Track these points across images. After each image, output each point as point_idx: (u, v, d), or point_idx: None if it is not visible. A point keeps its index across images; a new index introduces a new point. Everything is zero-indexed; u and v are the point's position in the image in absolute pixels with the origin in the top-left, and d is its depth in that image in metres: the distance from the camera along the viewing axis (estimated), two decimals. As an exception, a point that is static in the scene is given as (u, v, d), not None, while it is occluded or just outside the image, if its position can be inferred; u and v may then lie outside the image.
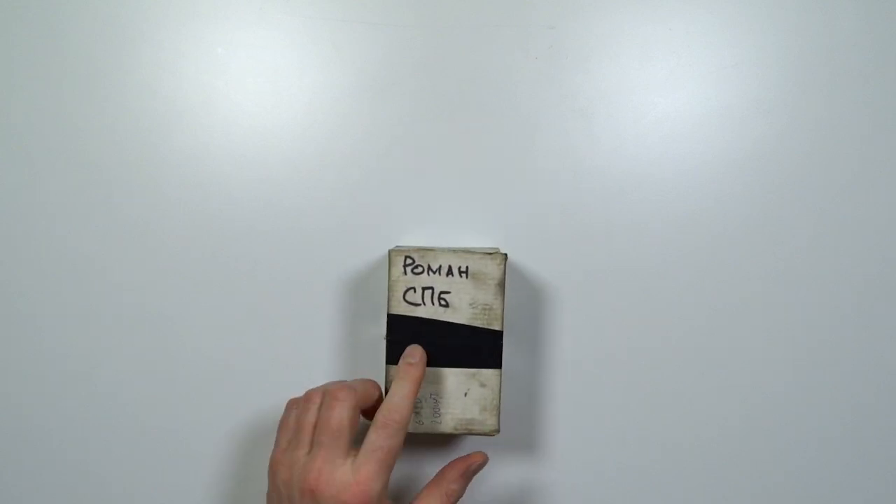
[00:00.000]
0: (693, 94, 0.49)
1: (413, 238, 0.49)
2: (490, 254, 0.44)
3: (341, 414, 0.39)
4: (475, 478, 0.44)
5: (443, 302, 0.43)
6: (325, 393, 0.40)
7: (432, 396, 0.44)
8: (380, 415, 0.39)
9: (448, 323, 0.43)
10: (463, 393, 0.44)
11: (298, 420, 0.40)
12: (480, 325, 0.44)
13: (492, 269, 0.44)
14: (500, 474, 0.50)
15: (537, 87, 0.49)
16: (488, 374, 0.44)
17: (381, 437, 0.38)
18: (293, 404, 0.42)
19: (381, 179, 0.49)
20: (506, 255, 0.44)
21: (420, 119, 0.49)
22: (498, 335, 0.44)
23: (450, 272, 0.44)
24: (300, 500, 0.37)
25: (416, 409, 0.44)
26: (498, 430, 0.44)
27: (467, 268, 0.43)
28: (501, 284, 0.44)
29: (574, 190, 0.49)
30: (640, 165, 0.49)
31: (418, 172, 0.49)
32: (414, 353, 0.42)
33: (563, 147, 0.49)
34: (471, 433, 0.44)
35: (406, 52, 0.49)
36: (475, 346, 0.44)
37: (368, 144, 0.49)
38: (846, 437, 0.50)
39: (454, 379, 0.44)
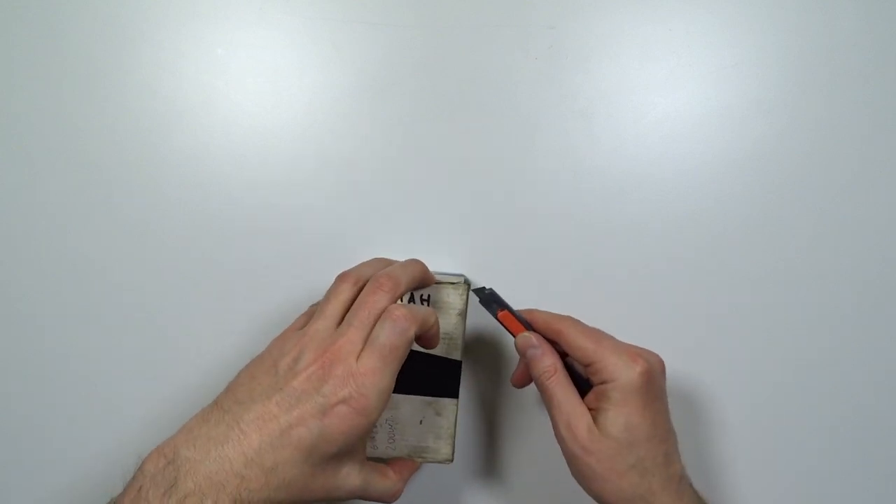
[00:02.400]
0: (693, 94, 0.49)
1: (412, 238, 0.49)
2: (453, 283, 0.44)
3: (380, 301, 0.37)
4: None
5: None
6: (372, 279, 0.38)
7: (388, 422, 0.44)
8: (395, 307, 0.37)
9: None
10: (418, 420, 0.43)
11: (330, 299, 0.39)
12: (440, 355, 0.43)
13: (454, 298, 0.44)
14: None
15: (537, 87, 0.49)
16: (445, 402, 0.44)
17: (384, 328, 0.35)
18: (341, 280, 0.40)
19: (381, 179, 0.49)
20: (469, 284, 0.44)
21: (420, 119, 0.49)
22: (456, 365, 0.43)
23: (412, 299, 0.43)
24: (309, 363, 0.35)
25: (371, 433, 0.44)
26: (451, 459, 0.43)
27: (429, 296, 0.43)
28: (463, 314, 0.44)
29: (574, 190, 0.49)
30: (640, 165, 0.49)
31: (418, 172, 0.49)
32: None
33: (563, 147, 0.49)
34: (424, 461, 0.44)
35: (406, 52, 0.49)
36: (433, 375, 0.43)
37: (369, 144, 0.49)
38: (846, 438, 0.50)
39: (410, 406, 0.44)
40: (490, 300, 0.43)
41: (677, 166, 0.49)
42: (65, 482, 0.49)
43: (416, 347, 0.41)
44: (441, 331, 0.42)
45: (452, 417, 0.43)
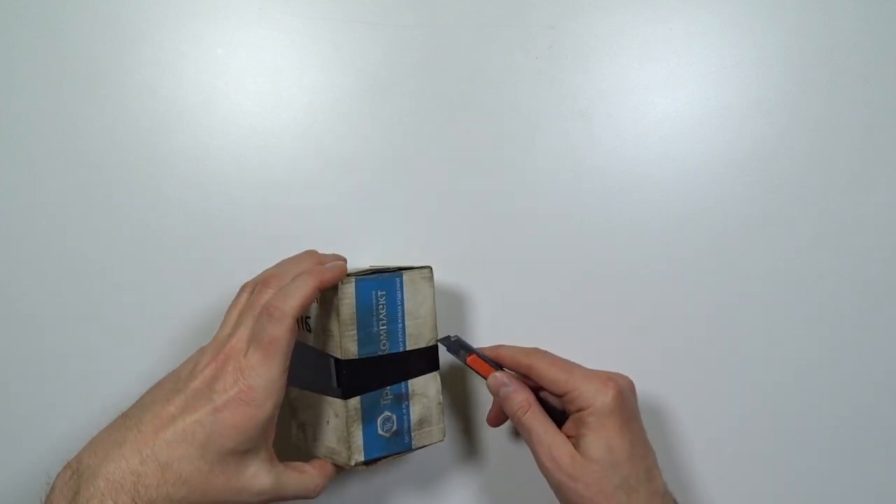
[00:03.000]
0: (693, 94, 0.49)
1: (412, 238, 0.49)
2: (420, 268, 0.43)
3: (263, 298, 0.38)
4: None
5: (307, 326, 0.42)
6: (261, 281, 0.39)
7: (306, 424, 0.43)
8: (269, 300, 0.37)
9: (306, 346, 0.42)
10: (326, 421, 0.42)
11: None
12: (327, 351, 0.41)
13: (423, 284, 0.43)
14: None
15: (537, 87, 0.49)
16: (338, 404, 0.40)
17: (261, 323, 0.36)
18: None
19: (381, 180, 0.49)
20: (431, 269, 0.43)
21: (420, 119, 0.49)
22: (341, 364, 0.40)
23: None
24: (205, 365, 0.36)
25: (301, 429, 0.43)
26: (350, 464, 0.40)
27: (320, 294, 0.40)
28: (432, 296, 0.43)
29: (574, 190, 0.49)
30: (640, 165, 0.49)
31: (418, 172, 0.49)
32: (332, 263, 0.41)
33: (563, 147, 0.49)
34: (334, 463, 0.41)
35: (406, 52, 0.49)
36: (325, 374, 0.41)
37: (369, 144, 0.49)
38: (846, 438, 0.50)
39: (319, 406, 0.42)
40: (457, 347, 0.44)
41: (677, 166, 0.49)
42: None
43: (309, 343, 0.41)
44: (416, 316, 0.42)
45: (345, 419, 0.40)
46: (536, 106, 0.49)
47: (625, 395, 0.40)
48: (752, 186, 0.49)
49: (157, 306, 0.49)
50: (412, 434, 0.43)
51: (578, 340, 0.49)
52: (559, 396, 0.41)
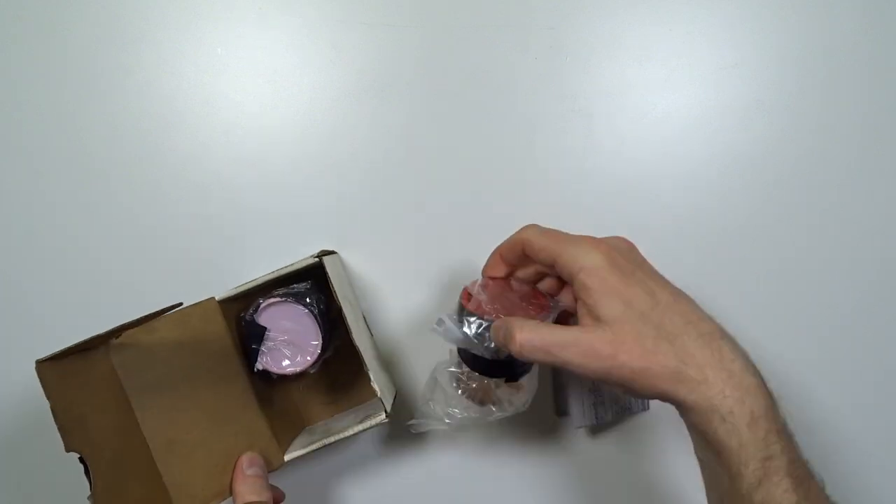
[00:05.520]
0: (693, 94, 0.49)
1: (412, 238, 0.49)
2: (328, 254, 0.44)
3: None
4: None
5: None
6: None
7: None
8: None
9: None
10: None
11: None
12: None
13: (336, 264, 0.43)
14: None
15: (537, 87, 0.49)
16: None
17: None
18: None
19: (381, 180, 0.49)
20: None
21: (420, 119, 0.49)
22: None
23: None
24: None
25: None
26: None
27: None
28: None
29: (574, 190, 0.49)
30: (639, 165, 0.49)
31: (418, 172, 0.49)
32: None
33: (563, 147, 0.49)
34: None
35: (406, 52, 0.49)
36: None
37: (369, 145, 0.49)
38: (846, 438, 0.50)
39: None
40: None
41: (677, 166, 0.49)
42: (66, 483, 0.49)
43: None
44: (343, 294, 0.42)
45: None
46: (536, 106, 0.49)
47: (617, 251, 0.37)
48: (752, 186, 0.49)
49: (155, 305, 0.49)
50: None
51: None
52: (551, 266, 0.37)
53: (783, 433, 0.33)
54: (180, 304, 0.39)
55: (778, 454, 0.32)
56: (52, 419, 0.33)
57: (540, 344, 0.35)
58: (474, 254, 0.49)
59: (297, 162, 0.49)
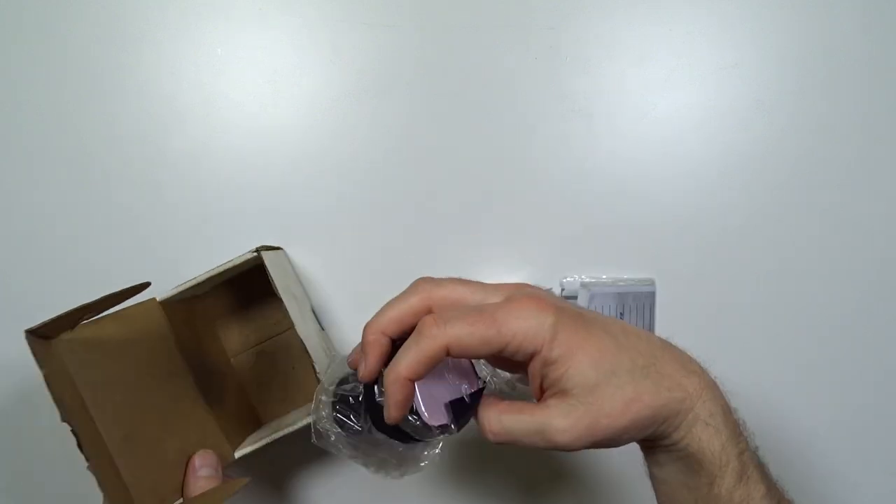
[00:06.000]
0: (693, 94, 0.49)
1: (411, 237, 0.49)
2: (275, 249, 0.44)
3: None
4: None
5: None
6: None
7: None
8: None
9: None
10: None
11: None
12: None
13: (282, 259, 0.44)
14: None
15: (537, 87, 0.49)
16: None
17: None
18: None
19: (380, 180, 0.49)
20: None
21: (420, 119, 0.49)
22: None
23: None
24: None
25: None
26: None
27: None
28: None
29: (574, 190, 0.49)
30: (640, 165, 0.49)
31: (418, 172, 0.49)
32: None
33: (563, 147, 0.49)
34: None
35: (406, 53, 0.49)
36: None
37: (369, 145, 0.49)
38: (846, 439, 0.50)
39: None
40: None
41: (677, 166, 0.49)
42: (66, 483, 0.49)
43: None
44: (284, 287, 0.40)
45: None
46: (536, 106, 0.49)
47: (555, 299, 0.31)
48: (751, 186, 0.49)
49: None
50: None
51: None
52: (498, 360, 0.32)
53: (738, 420, 0.33)
54: (148, 283, 0.39)
55: (745, 446, 0.32)
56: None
57: (506, 437, 0.31)
58: (480, 255, 0.50)
59: (297, 162, 0.49)
